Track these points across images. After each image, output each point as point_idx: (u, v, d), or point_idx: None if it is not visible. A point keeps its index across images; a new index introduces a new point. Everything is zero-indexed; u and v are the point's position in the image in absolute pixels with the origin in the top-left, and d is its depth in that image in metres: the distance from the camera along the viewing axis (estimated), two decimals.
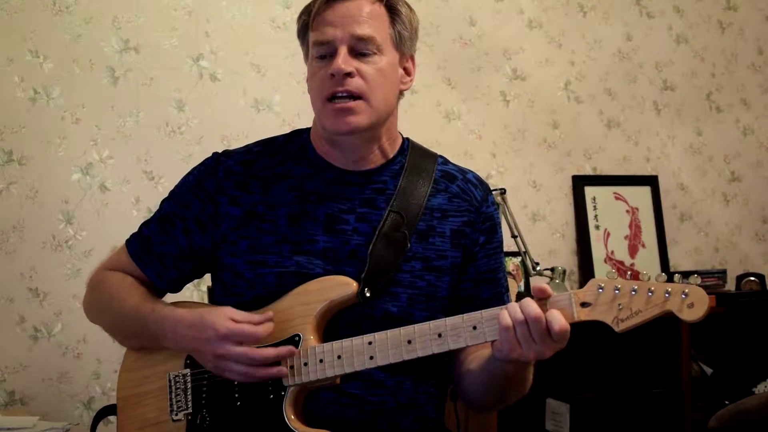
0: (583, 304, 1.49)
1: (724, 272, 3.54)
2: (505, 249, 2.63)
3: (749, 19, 3.98)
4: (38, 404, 2.70)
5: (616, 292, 1.47)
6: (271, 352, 1.61)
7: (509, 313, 1.50)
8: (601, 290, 1.48)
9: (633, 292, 1.46)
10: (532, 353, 1.50)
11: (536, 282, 3.19)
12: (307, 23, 1.72)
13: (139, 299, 1.76)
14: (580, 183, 3.57)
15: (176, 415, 1.72)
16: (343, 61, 1.65)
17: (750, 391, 3.26)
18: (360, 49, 1.67)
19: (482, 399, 1.74)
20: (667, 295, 1.44)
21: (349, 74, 1.65)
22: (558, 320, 1.47)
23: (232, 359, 1.61)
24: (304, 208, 1.73)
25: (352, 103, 1.66)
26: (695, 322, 1.43)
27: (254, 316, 1.63)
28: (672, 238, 3.72)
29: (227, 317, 1.62)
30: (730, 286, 3.57)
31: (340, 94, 1.66)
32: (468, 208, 1.77)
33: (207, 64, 3.00)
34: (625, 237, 3.61)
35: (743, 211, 3.91)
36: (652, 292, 1.45)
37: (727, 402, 2.92)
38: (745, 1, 3.97)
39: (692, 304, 1.42)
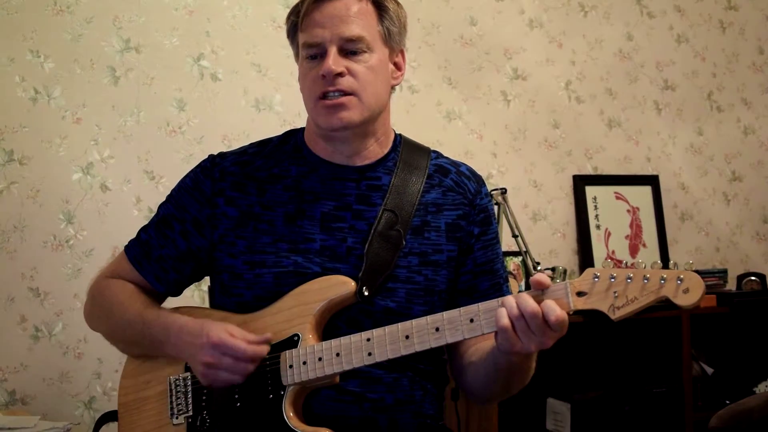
0: (579, 293, 1.50)
1: (725, 272, 3.54)
2: (506, 249, 2.63)
3: (750, 19, 3.98)
4: (39, 404, 2.70)
5: (612, 280, 1.47)
6: (248, 346, 1.61)
7: (507, 309, 1.50)
8: (596, 279, 1.49)
9: (629, 280, 1.46)
10: (534, 345, 1.51)
11: None
12: (296, 24, 1.73)
13: (142, 306, 1.77)
14: (580, 183, 3.57)
15: (176, 418, 1.71)
16: (333, 61, 1.67)
17: (751, 390, 3.26)
18: (349, 48, 1.68)
19: (486, 391, 1.74)
20: (662, 281, 1.44)
21: (339, 74, 1.67)
22: (554, 310, 1.47)
23: (220, 368, 1.61)
24: (301, 207, 1.74)
25: (343, 99, 1.68)
26: (691, 307, 1.43)
27: (251, 336, 1.63)
28: (673, 237, 3.72)
29: (225, 330, 1.63)
30: (731, 285, 3.57)
31: (331, 94, 1.68)
32: (462, 201, 1.78)
33: (208, 64, 3.00)
34: (626, 236, 3.61)
35: (744, 210, 3.91)
36: (647, 279, 1.45)
37: (728, 402, 2.93)
38: (746, 1, 3.98)
39: (687, 290, 1.43)
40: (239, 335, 1.62)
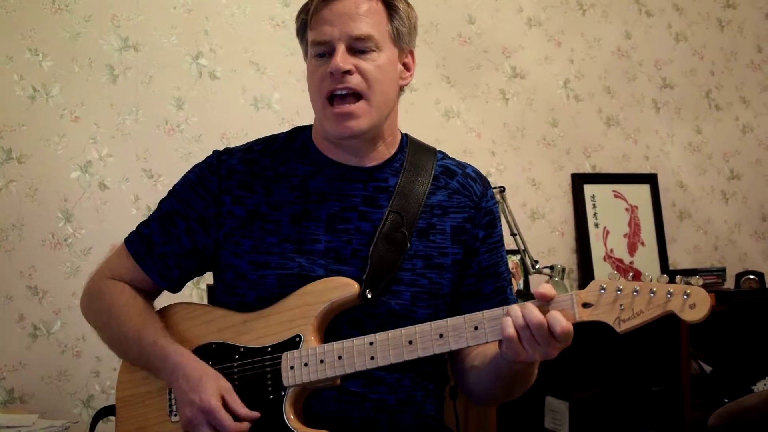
0: (585, 305, 1.49)
1: (723, 270, 3.54)
2: (505, 247, 2.61)
3: (748, 17, 3.97)
4: (37, 402, 2.70)
5: (618, 292, 1.47)
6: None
7: (512, 319, 1.50)
8: (603, 291, 1.48)
9: (635, 293, 1.46)
10: (538, 355, 1.51)
11: (535, 280, 3.20)
12: (305, 22, 1.73)
13: (140, 324, 1.74)
14: (579, 181, 3.56)
15: (175, 415, 1.71)
16: (341, 59, 1.66)
17: (749, 389, 3.26)
18: (358, 46, 1.68)
19: (488, 395, 1.74)
20: (669, 295, 1.44)
21: (347, 72, 1.66)
22: (559, 322, 1.47)
23: (199, 428, 1.61)
24: (306, 207, 1.72)
25: (352, 107, 1.67)
26: (697, 322, 1.44)
27: (242, 409, 1.61)
28: (671, 236, 3.72)
29: (219, 395, 1.62)
30: (730, 284, 3.57)
31: (339, 92, 1.67)
32: (468, 204, 1.78)
33: (206, 62, 3.00)
34: (625, 235, 3.61)
35: (742, 209, 3.91)
36: (653, 292, 1.45)
37: (726, 400, 2.92)
38: None
39: (694, 305, 1.43)
40: (231, 403, 1.61)
